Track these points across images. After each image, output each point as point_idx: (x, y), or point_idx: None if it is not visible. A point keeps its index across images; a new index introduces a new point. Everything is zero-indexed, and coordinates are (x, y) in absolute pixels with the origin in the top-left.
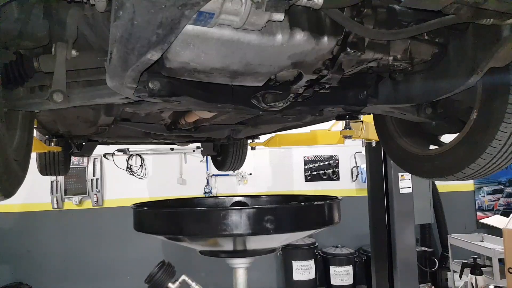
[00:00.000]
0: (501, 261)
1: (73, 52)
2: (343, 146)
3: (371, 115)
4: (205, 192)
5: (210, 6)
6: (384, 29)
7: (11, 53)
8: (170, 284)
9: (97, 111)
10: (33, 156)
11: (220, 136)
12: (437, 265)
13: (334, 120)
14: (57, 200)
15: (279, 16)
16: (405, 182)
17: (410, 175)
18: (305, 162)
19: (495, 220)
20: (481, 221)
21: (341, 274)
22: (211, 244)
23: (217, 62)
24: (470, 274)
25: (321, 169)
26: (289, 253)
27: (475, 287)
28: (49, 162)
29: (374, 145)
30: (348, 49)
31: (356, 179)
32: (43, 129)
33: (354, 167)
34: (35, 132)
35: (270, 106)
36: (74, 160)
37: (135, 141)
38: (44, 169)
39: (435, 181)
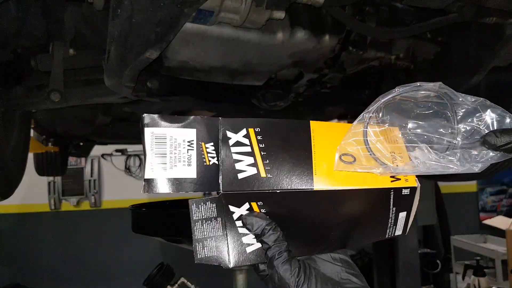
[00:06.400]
0: (504, 262)
1: (71, 51)
2: None
3: None
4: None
5: (209, 4)
6: (386, 28)
7: (8, 52)
8: (169, 287)
9: (95, 110)
10: (30, 156)
11: None
12: (439, 267)
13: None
14: (54, 201)
15: (280, 14)
16: None
17: None
18: None
19: (498, 221)
20: (484, 222)
21: None
22: None
23: (217, 61)
24: (473, 276)
25: None
26: None
27: None
28: (46, 162)
29: None
30: (350, 48)
31: None
32: (40, 129)
33: None
34: (32, 132)
35: (271, 106)
36: (72, 160)
37: (134, 141)
38: (41, 170)
39: (438, 182)
